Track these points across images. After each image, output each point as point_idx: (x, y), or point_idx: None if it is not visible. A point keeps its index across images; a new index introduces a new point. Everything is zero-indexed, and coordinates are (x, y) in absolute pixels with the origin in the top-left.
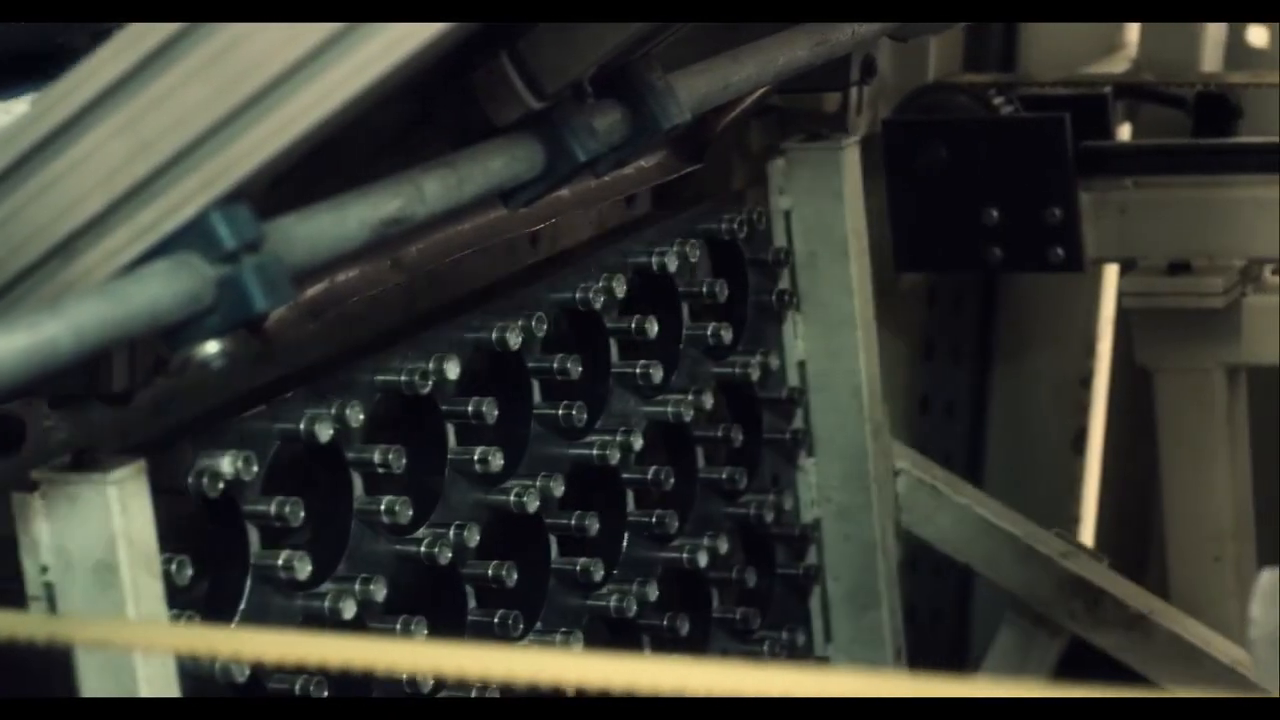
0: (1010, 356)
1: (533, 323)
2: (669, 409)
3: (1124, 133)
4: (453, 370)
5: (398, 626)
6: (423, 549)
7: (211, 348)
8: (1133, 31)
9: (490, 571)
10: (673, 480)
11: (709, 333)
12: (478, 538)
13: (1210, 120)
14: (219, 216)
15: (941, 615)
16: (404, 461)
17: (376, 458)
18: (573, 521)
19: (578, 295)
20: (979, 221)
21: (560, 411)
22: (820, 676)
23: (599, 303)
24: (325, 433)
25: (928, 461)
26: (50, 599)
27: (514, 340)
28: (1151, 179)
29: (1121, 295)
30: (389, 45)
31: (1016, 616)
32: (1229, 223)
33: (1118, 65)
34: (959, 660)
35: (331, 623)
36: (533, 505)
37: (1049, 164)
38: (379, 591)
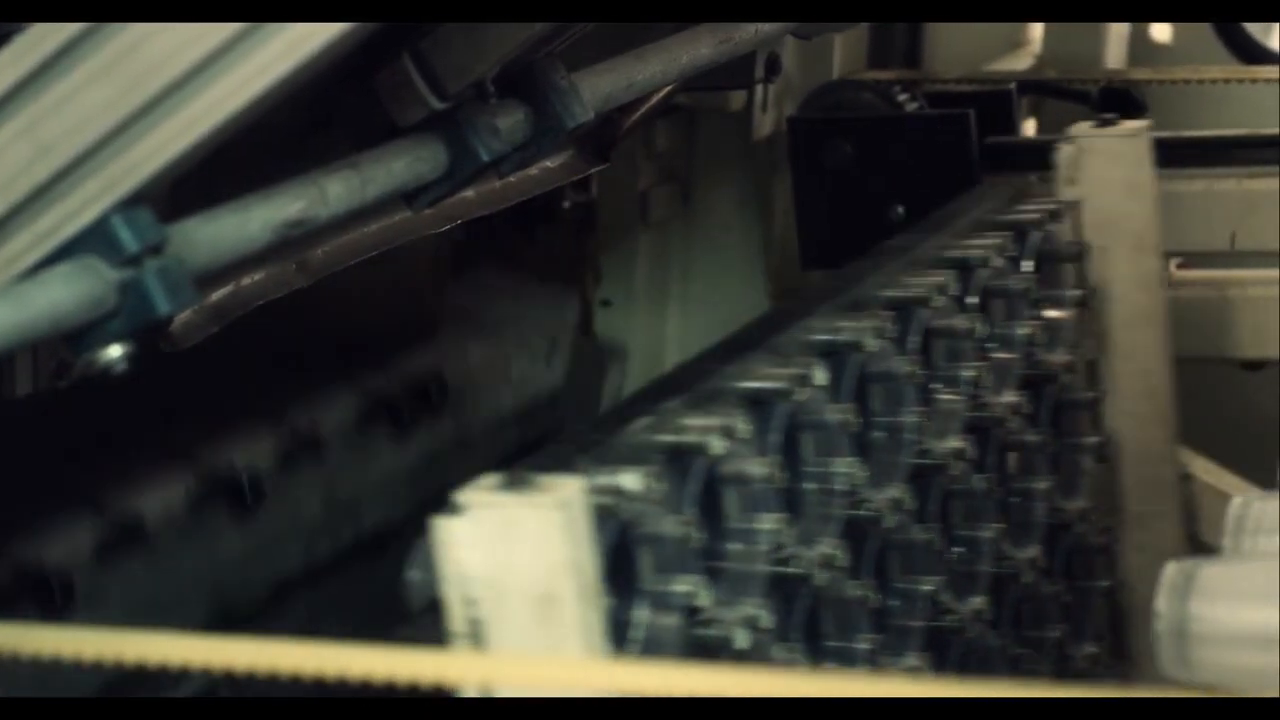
0: None
1: (886, 324)
2: (985, 412)
3: (1029, 128)
4: (820, 376)
5: (780, 652)
6: (791, 569)
7: (115, 351)
8: (1037, 28)
9: (853, 591)
10: (996, 487)
11: (1019, 331)
12: (840, 554)
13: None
14: (120, 220)
15: None
16: (780, 475)
17: (754, 471)
18: (917, 534)
19: (912, 293)
20: (885, 218)
21: (901, 418)
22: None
23: (938, 301)
24: (718, 446)
25: (1218, 467)
26: (477, 635)
27: (873, 343)
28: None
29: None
30: (291, 45)
31: None
32: None
33: (1022, 61)
34: None
35: (722, 652)
36: (892, 520)
37: (954, 160)
38: (763, 617)
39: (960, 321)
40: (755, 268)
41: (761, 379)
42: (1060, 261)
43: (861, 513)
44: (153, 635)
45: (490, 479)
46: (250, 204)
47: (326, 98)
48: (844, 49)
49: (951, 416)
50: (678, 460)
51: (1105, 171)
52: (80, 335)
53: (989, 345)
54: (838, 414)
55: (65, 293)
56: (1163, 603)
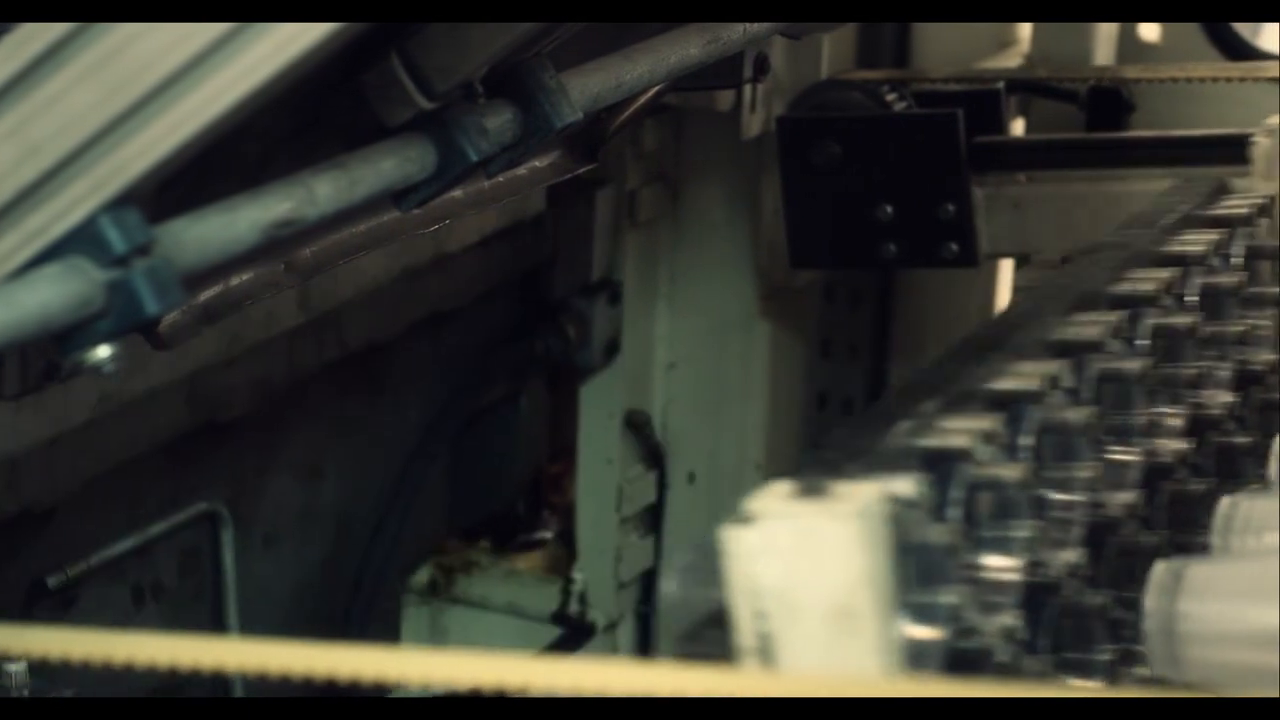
0: (907, 353)
1: (1122, 324)
2: (1202, 413)
3: (1017, 128)
4: (1068, 378)
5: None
6: (1042, 577)
7: (103, 352)
8: (1025, 27)
9: (1093, 601)
10: (1211, 491)
11: (1231, 330)
12: (1084, 562)
13: (1103, 114)
14: (108, 220)
15: None
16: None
17: (1009, 476)
18: (1145, 540)
19: (1140, 291)
20: (873, 218)
21: (1130, 420)
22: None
23: (1164, 300)
24: (984, 452)
25: None
26: (766, 650)
27: (1113, 343)
28: (1045, 174)
29: (1016, 289)
30: (279, 45)
31: None
32: (1122, 216)
33: (1010, 60)
34: None
35: (983, 665)
36: (1129, 526)
37: (942, 160)
38: (1020, 629)
39: (1182, 320)
40: (744, 267)
41: (1014, 381)
42: (1263, 259)
43: (1098, 518)
44: (154, 636)
45: (781, 486)
46: (238, 204)
47: (314, 98)
48: (832, 49)
49: (1173, 418)
50: (937, 465)
51: None
52: (68, 335)
53: (1205, 345)
54: (1081, 416)
55: (53, 293)
56: (1151, 601)
